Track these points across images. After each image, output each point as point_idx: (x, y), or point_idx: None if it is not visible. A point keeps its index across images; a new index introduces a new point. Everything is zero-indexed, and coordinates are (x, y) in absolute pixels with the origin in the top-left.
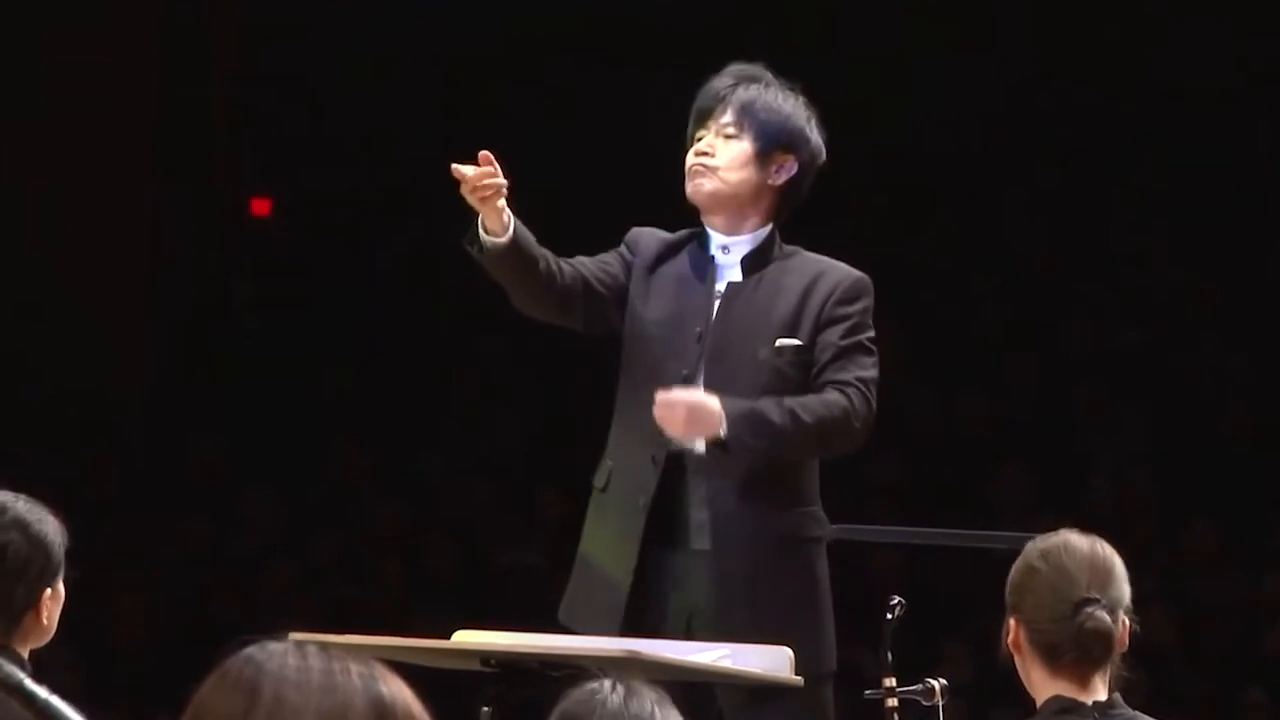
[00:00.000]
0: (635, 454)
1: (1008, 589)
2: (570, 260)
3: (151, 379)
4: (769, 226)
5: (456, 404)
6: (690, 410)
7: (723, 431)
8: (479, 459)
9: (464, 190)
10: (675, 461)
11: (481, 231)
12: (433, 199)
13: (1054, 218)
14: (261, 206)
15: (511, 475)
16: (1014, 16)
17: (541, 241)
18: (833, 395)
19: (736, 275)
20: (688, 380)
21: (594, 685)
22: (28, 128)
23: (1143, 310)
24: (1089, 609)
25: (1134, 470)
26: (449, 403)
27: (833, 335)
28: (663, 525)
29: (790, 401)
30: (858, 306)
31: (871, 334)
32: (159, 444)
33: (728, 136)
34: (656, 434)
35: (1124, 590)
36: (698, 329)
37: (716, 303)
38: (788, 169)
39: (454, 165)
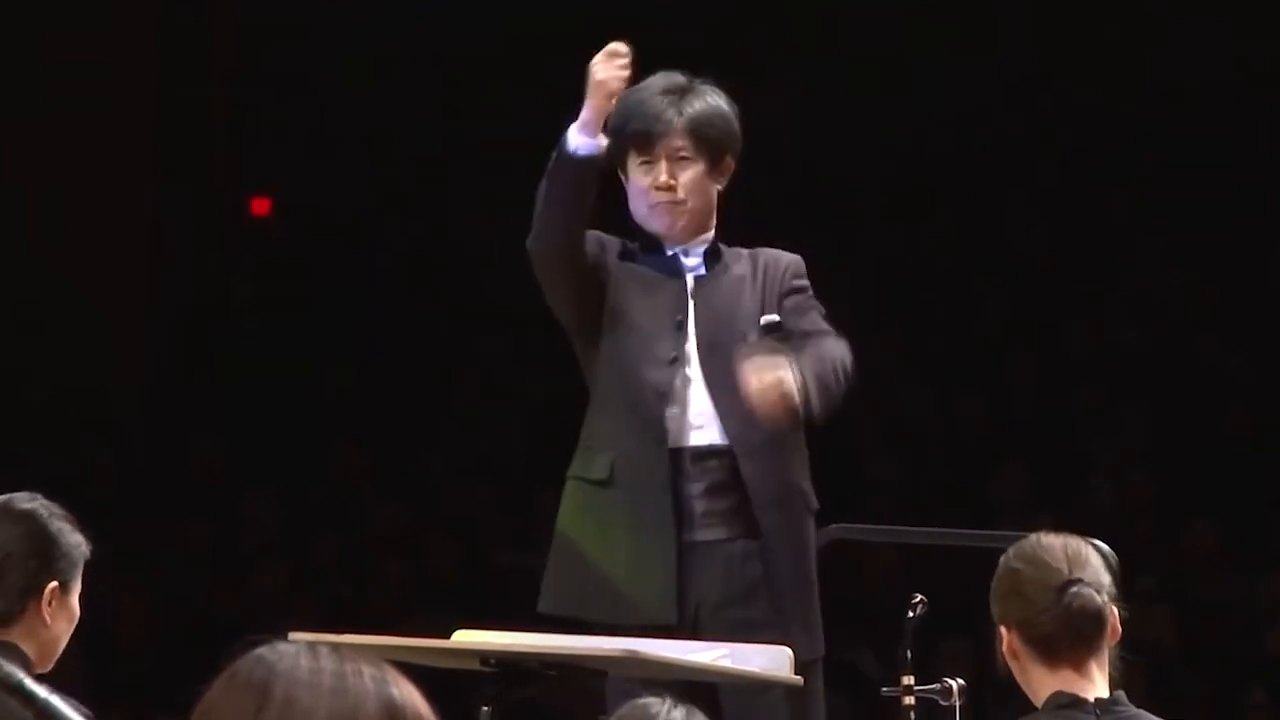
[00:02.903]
0: (643, 444)
1: (992, 600)
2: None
3: (151, 379)
4: (714, 225)
5: (456, 404)
6: (784, 395)
7: (802, 401)
8: (479, 459)
9: (600, 71)
10: (677, 451)
11: (575, 137)
12: (433, 199)
13: (1054, 218)
14: (261, 206)
15: (511, 475)
16: (1014, 16)
17: None
18: (835, 341)
19: (700, 270)
20: (674, 363)
21: (651, 700)
22: (28, 128)
23: (1143, 310)
24: (1074, 589)
25: (1134, 470)
26: (449, 403)
27: (798, 299)
28: (680, 512)
29: (826, 355)
30: (806, 280)
31: None
32: (159, 444)
33: (681, 159)
34: (660, 422)
35: (1104, 575)
36: (677, 317)
37: (689, 295)
38: (729, 170)
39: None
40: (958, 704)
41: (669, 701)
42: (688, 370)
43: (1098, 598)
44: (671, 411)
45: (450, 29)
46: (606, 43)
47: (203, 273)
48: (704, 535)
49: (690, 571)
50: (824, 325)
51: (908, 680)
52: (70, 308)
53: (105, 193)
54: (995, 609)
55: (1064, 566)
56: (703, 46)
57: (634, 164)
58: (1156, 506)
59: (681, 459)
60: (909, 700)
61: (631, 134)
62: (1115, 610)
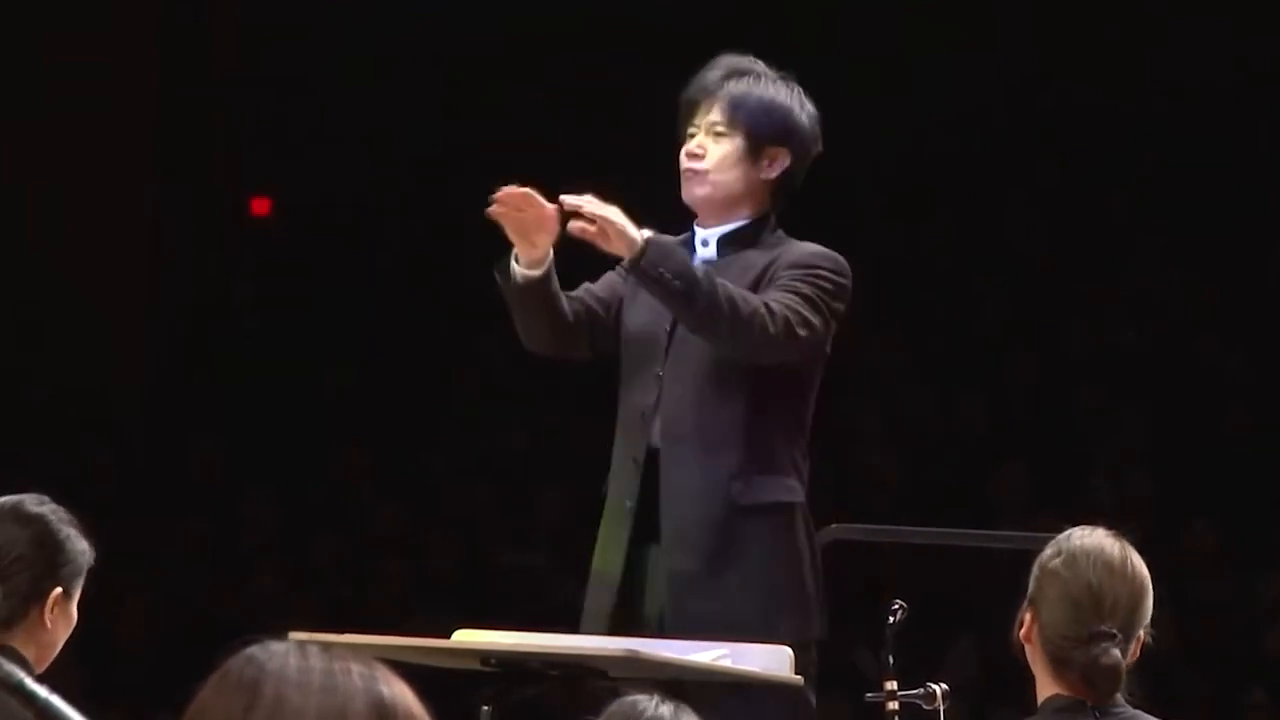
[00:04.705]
0: (622, 457)
1: (1032, 578)
2: (573, 294)
3: (151, 379)
4: (752, 215)
5: (456, 404)
6: (609, 224)
7: (640, 241)
8: (479, 459)
9: (498, 213)
10: (652, 460)
11: (514, 263)
12: (433, 199)
13: (1054, 218)
14: (261, 206)
15: (511, 475)
16: (1014, 16)
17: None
18: (757, 301)
19: (711, 256)
20: (660, 380)
21: (640, 698)
22: (28, 128)
23: (1143, 310)
24: (1105, 644)
25: (1134, 470)
26: (449, 403)
27: (779, 277)
28: (646, 524)
29: (733, 290)
30: (815, 270)
31: (825, 288)
32: (159, 444)
33: (718, 134)
34: (637, 435)
35: (1147, 610)
36: (667, 326)
37: None
38: (780, 162)
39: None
40: (941, 708)
41: (656, 698)
42: (673, 382)
43: (1120, 657)
44: (655, 427)
45: (450, 29)
46: (607, 43)
47: (203, 273)
48: (664, 534)
49: (656, 577)
50: (774, 298)
51: (891, 685)
52: (70, 308)
53: (105, 193)
54: (1031, 587)
55: (1107, 606)
56: (703, 46)
57: (685, 136)
58: (1156, 506)
59: (657, 465)
60: (892, 705)
61: (683, 102)
62: (1142, 637)
